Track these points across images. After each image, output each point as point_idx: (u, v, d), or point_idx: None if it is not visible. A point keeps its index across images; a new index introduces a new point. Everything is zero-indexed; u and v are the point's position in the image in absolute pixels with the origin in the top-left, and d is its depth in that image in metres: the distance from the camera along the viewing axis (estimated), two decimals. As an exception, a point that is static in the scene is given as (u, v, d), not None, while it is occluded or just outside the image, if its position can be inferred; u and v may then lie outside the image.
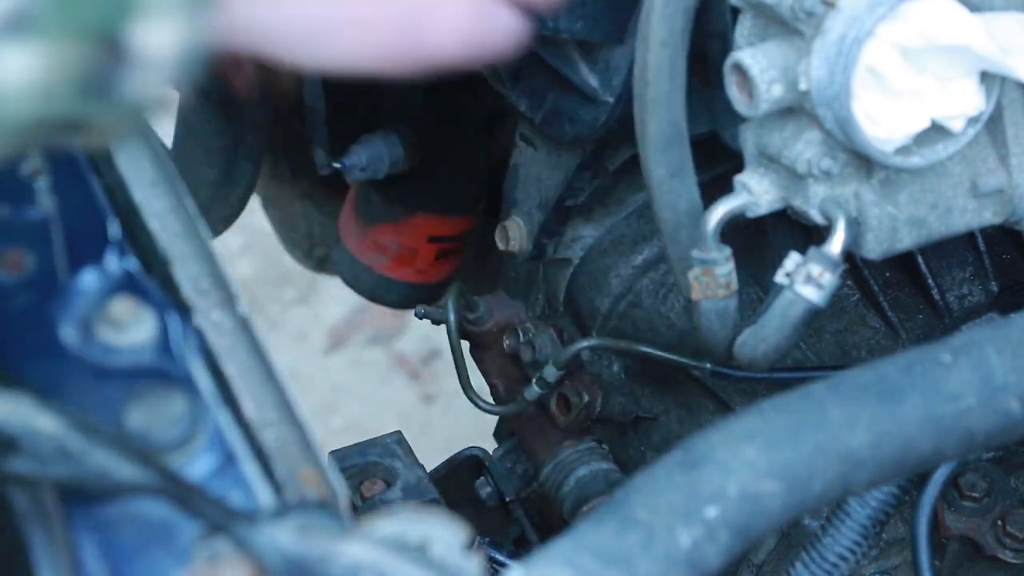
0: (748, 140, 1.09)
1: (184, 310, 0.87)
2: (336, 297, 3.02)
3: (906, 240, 1.08)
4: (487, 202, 1.69)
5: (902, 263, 1.35)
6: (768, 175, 1.09)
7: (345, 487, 0.81)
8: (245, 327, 0.87)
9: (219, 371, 0.85)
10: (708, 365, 1.29)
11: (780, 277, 1.09)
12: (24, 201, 0.89)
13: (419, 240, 1.68)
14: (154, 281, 0.89)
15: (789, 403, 0.82)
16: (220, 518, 0.75)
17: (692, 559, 0.76)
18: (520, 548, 1.43)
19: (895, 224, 1.07)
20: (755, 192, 1.09)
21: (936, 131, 1.04)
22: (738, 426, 0.81)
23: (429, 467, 1.46)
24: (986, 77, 1.04)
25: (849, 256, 1.07)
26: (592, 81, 1.29)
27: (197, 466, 0.80)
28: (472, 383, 1.46)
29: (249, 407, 0.83)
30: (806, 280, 1.07)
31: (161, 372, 0.83)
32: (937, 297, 1.35)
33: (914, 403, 0.83)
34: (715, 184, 1.16)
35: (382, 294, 1.74)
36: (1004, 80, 1.05)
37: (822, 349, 1.36)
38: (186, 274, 0.89)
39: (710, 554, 0.77)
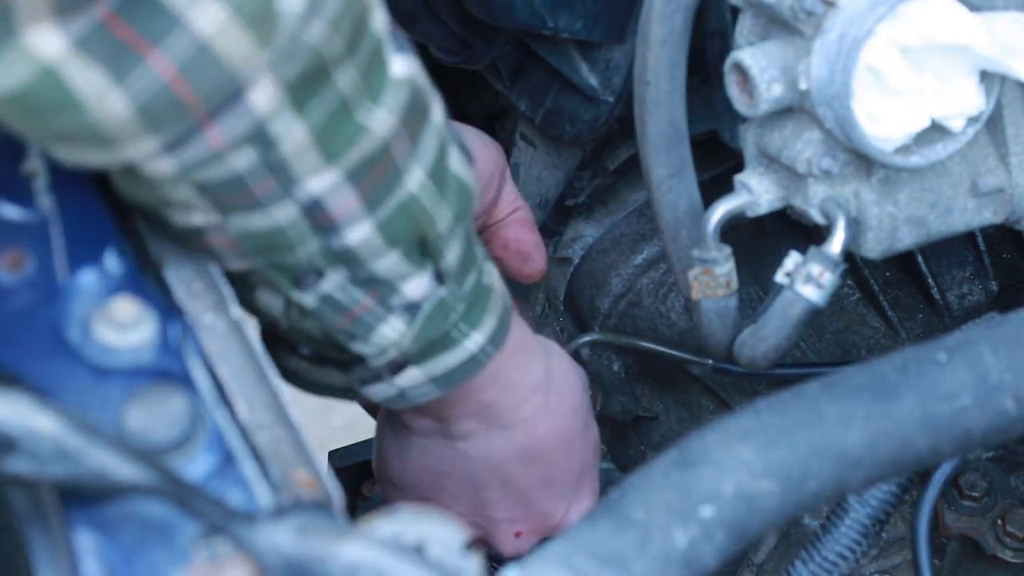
0: (748, 140, 1.10)
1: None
2: (338, 296, 3.02)
3: (906, 239, 1.08)
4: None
5: (902, 262, 1.35)
6: (768, 175, 1.09)
7: (340, 489, 0.81)
8: (237, 330, 0.87)
9: (213, 373, 0.85)
10: (710, 361, 1.29)
11: (780, 277, 1.09)
12: (23, 201, 0.89)
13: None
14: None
15: (784, 402, 0.82)
16: (219, 518, 0.75)
17: (688, 559, 0.76)
18: (520, 548, 1.42)
19: (895, 223, 1.07)
20: (755, 192, 1.09)
21: (936, 130, 1.05)
22: (733, 425, 0.81)
23: (430, 466, 1.46)
24: (986, 76, 1.04)
25: (849, 255, 1.07)
26: (592, 80, 1.29)
27: (196, 466, 0.80)
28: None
29: (242, 410, 0.83)
30: (806, 280, 1.07)
31: (160, 372, 0.83)
32: (937, 296, 1.35)
33: (909, 402, 0.83)
34: (715, 184, 1.16)
35: (383, 294, 1.74)
36: (1004, 79, 1.05)
37: (822, 348, 1.36)
38: (178, 277, 0.89)
39: (706, 553, 0.77)
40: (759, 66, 1.03)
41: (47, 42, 0.76)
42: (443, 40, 1.34)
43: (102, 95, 0.78)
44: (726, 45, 1.12)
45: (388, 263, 0.95)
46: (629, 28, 1.25)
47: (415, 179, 0.93)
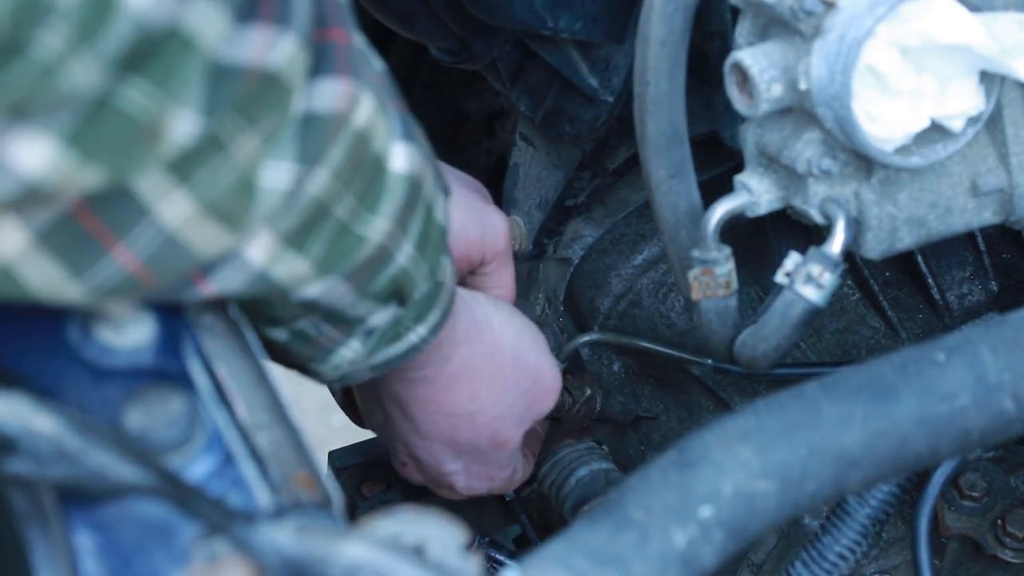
0: (748, 140, 1.09)
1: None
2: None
3: (906, 239, 1.08)
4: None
5: (902, 262, 1.35)
6: (768, 175, 1.09)
7: (340, 490, 0.81)
8: (236, 330, 0.87)
9: (212, 374, 0.85)
10: (710, 361, 1.29)
11: (780, 277, 1.09)
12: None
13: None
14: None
15: (783, 403, 0.82)
16: (219, 518, 0.75)
17: (687, 559, 0.76)
18: (520, 548, 1.43)
19: (895, 223, 1.07)
20: (755, 192, 1.09)
21: (936, 131, 1.04)
22: (732, 426, 0.81)
23: (430, 466, 1.45)
24: (986, 77, 1.04)
25: (849, 255, 1.07)
26: (592, 81, 1.29)
27: (196, 467, 0.80)
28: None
29: (242, 410, 0.83)
30: (806, 280, 1.07)
31: (159, 372, 0.83)
32: (937, 296, 1.35)
33: (908, 402, 0.83)
34: (715, 184, 1.16)
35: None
36: (1004, 80, 1.05)
37: (822, 348, 1.36)
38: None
39: (705, 553, 0.77)
40: (759, 66, 1.03)
41: (6, 238, 0.76)
42: (443, 40, 1.34)
43: (57, 286, 0.78)
44: (726, 45, 1.12)
45: (362, 309, 0.97)
46: (629, 28, 1.25)
47: (404, 254, 0.95)
